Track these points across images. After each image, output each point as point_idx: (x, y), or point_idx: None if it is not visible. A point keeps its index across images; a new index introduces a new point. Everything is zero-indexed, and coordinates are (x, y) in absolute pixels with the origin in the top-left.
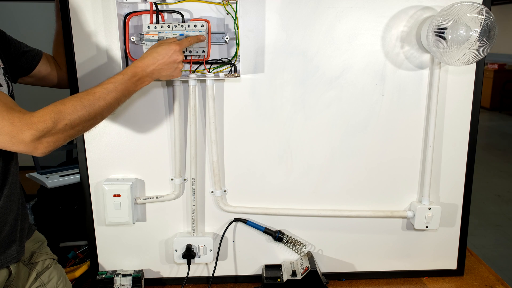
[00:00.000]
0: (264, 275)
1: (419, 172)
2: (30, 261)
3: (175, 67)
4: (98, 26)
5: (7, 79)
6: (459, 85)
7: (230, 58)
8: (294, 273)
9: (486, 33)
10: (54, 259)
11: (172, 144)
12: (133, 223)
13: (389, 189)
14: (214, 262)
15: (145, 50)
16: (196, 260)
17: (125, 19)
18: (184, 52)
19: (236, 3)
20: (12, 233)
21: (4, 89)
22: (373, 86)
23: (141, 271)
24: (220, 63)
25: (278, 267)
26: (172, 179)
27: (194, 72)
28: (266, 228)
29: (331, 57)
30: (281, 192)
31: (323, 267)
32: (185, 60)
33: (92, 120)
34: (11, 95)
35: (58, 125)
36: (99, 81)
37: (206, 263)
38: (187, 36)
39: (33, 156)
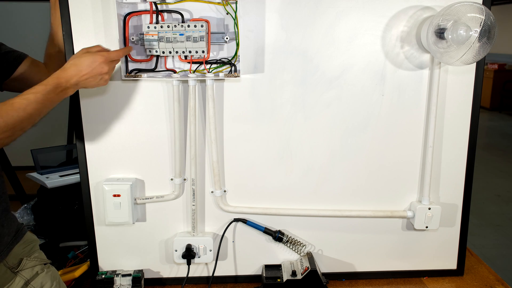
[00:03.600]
0: (264, 275)
1: (419, 172)
2: (18, 268)
3: (100, 78)
4: (98, 26)
5: None
6: (459, 85)
7: (230, 58)
8: (294, 273)
9: (486, 33)
10: (45, 264)
11: (172, 144)
12: (133, 223)
13: (389, 189)
14: (214, 262)
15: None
16: (196, 260)
17: (125, 19)
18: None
19: (236, 3)
20: None
21: None
22: (373, 86)
23: (141, 271)
24: (220, 63)
25: (278, 267)
26: (172, 179)
27: (194, 72)
28: (266, 228)
29: (331, 57)
30: (281, 192)
31: (323, 267)
32: (185, 60)
33: (10, 132)
34: None
35: None
36: None
37: (206, 263)
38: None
39: (33, 156)
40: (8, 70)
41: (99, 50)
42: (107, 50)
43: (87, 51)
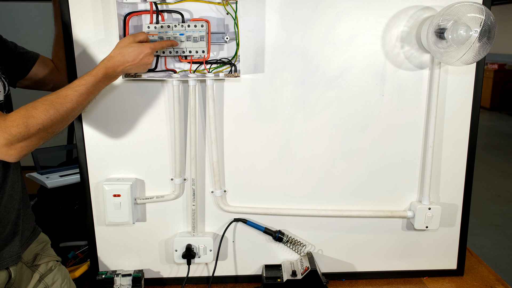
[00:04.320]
0: (264, 275)
1: (419, 172)
2: (33, 263)
3: (144, 68)
4: (98, 26)
5: (3, 80)
6: (459, 85)
7: (230, 58)
8: (294, 273)
9: (486, 33)
10: (58, 261)
11: (172, 144)
12: (133, 223)
13: (389, 189)
14: (214, 262)
15: None
16: (196, 260)
17: (125, 19)
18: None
19: (236, 3)
20: (12, 233)
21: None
22: (373, 86)
23: (141, 271)
24: (220, 63)
25: (278, 267)
26: (172, 179)
27: (194, 72)
28: (266, 228)
29: (331, 57)
30: (281, 192)
31: (323, 267)
32: (185, 60)
33: (65, 121)
34: (7, 96)
35: (31, 129)
36: None
37: (206, 263)
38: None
39: (33, 156)
40: (23, 70)
41: (143, 39)
42: (148, 40)
43: (133, 40)
